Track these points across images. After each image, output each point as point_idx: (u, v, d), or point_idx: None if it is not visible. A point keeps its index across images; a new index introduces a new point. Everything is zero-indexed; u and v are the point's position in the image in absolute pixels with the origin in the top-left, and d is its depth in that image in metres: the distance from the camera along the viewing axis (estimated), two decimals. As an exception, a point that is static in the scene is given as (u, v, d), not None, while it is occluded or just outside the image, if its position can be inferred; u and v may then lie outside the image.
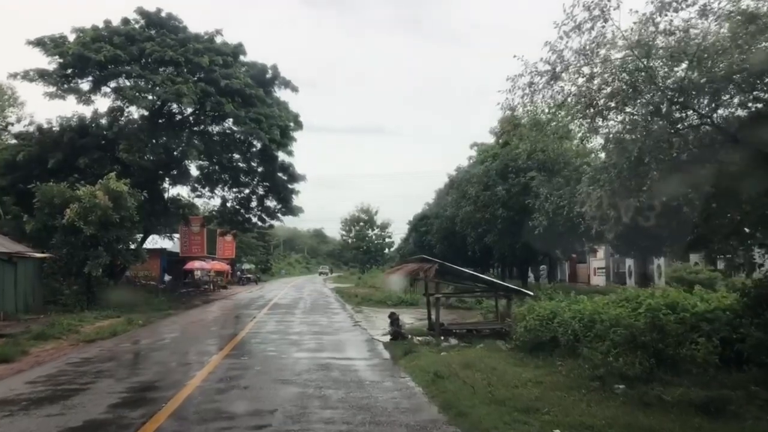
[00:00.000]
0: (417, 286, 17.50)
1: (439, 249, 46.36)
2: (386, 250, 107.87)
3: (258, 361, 12.95)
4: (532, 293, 16.83)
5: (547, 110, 10.40)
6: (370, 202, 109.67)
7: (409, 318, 23.72)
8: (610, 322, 11.64)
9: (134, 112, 34.60)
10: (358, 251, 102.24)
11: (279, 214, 40.77)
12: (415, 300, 29.16)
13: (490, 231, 30.82)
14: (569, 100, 9.70)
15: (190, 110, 36.05)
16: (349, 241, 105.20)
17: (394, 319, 15.92)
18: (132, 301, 30.38)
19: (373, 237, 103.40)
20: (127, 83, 33.04)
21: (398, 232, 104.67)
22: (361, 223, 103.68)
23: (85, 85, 33.51)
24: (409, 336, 15.62)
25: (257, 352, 14.41)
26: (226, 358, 13.24)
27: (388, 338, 16.33)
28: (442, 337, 15.16)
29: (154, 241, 42.48)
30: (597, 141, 12.03)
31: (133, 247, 33.95)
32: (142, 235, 37.69)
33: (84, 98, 33.37)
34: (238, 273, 73.95)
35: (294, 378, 10.80)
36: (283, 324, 21.51)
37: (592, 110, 9.30)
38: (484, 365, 11.19)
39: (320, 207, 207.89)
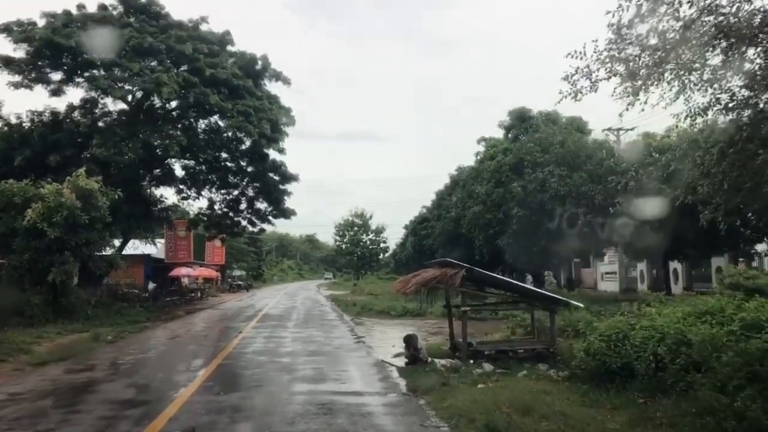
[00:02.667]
0: (435, 294, 14.31)
1: (442, 253, 43.29)
2: (381, 256, 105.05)
3: (239, 397, 9.90)
4: (581, 305, 13.86)
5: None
6: (365, 206, 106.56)
7: (418, 333, 20.72)
8: (709, 346, 8.70)
9: (110, 104, 31.69)
10: (352, 257, 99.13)
11: (270, 217, 37.94)
12: (422, 310, 26.12)
13: (502, 232, 27.91)
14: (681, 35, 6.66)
15: (174, 104, 33.28)
16: (343, 246, 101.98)
17: (410, 343, 12.82)
18: (107, 311, 27.47)
19: (368, 242, 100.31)
20: (102, 73, 30.04)
21: (392, 238, 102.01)
22: (356, 228, 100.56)
23: (55, 75, 30.63)
24: (430, 359, 12.61)
25: (239, 384, 11.37)
26: (199, 393, 10.19)
27: (401, 361, 13.34)
28: (472, 361, 12.14)
29: (135, 247, 39.40)
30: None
31: (110, 251, 31.09)
32: (121, 240, 34.83)
33: (54, 89, 30.45)
34: (229, 280, 70.81)
35: (286, 430, 7.79)
36: (273, 341, 18.44)
37: (724, 41, 6.33)
38: (547, 407, 8.17)
39: (313, 213, 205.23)
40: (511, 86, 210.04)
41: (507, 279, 14.00)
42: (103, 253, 27.76)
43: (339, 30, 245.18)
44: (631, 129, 35.44)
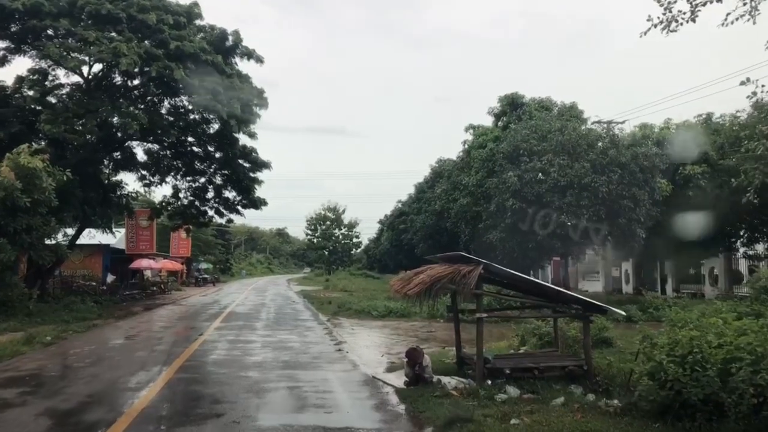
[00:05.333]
0: (438, 295, 11.63)
1: (422, 249, 40.97)
2: (353, 251, 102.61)
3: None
4: (623, 312, 11.47)
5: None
6: (337, 200, 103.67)
7: (406, 338, 18.25)
8: None
9: (62, 76, 28.66)
10: (323, 251, 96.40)
11: (239, 207, 35.23)
12: (405, 310, 23.67)
13: (494, 226, 25.51)
14: None
15: (136, 82, 30.43)
16: (315, 240, 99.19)
17: (414, 359, 10.14)
18: (53, 307, 24.63)
19: (340, 237, 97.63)
20: (54, 41, 26.97)
21: (364, 233, 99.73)
22: (328, 222, 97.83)
23: (1, 42, 27.54)
24: (435, 379, 10.08)
25: (192, 412, 8.65)
26: (134, 430, 7.57)
27: (397, 377, 10.83)
28: (489, 382, 9.65)
29: (92, 235, 36.28)
30: None
31: (62, 240, 28.23)
32: (76, 228, 31.92)
33: (-1, 57, 27.41)
34: (195, 273, 67.65)
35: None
36: (239, 347, 15.71)
37: None
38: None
39: (283, 207, 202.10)
40: (486, 85, 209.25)
41: (533, 279, 11.56)
42: (52, 241, 24.90)
43: (313, 24, 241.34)
44: (622, 122, 33.51)
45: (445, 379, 10.09)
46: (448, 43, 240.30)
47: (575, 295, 10.61)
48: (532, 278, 12.00)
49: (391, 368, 11.94)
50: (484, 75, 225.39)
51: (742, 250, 34.25)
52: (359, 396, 9.80)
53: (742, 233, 33.35)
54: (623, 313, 11.34)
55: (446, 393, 9.17)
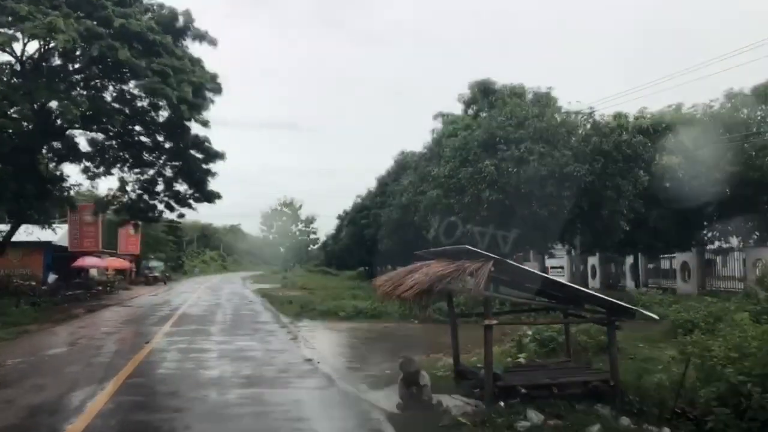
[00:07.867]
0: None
1: (388, 244, 39.13)
2: (310, 247, 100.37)
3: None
4: (655, 316, 9.75)
5: None
6: (293, 196, 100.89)
7: (383, 344, 16.40)
8: None
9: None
10: (279, 248, 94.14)
11: (191, 201, 32.77)
12: (375, 311, 21.83)
13: (468, 219, 23.84)
14: None
15: (78, 66, 27.89)
16: (270, 237, 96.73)
17: (410, 378, 8.25)
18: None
19: (297, 233, 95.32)
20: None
21: (321, 229, 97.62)
22: (284, 218, 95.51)
23: None
24: (436, 401, 8.24)
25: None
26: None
27: (384, 395, 8.99)
28: (502, 403, 7.87)
29: (29, 232, 33.51)
30: None
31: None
32: (11, 223, 29.31)
33: None
34: (145, 271, 64.75)
35: None
36: (193, 357, 13.56)
37: None
38: None
39: (237, 203, 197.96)
40: (443, 79, 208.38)
41: (549, 277, 9.79)
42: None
43: (262, 16, 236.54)
44: (591, 112, 32.39)
45: (447, 401, 8.26)
46: (401, 38, 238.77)
47: (598, 295, 8.90)
48: (548, 276, 10.27)
49: (374, 384, 10.07)
50: (441, 69, 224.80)
51: (716, 243, 33.56)
52: (344, 426, 7.88)
53: (715, 224, 32.68)
54: (656, 317, 9.67)
55: (454, 420, 7.33)
